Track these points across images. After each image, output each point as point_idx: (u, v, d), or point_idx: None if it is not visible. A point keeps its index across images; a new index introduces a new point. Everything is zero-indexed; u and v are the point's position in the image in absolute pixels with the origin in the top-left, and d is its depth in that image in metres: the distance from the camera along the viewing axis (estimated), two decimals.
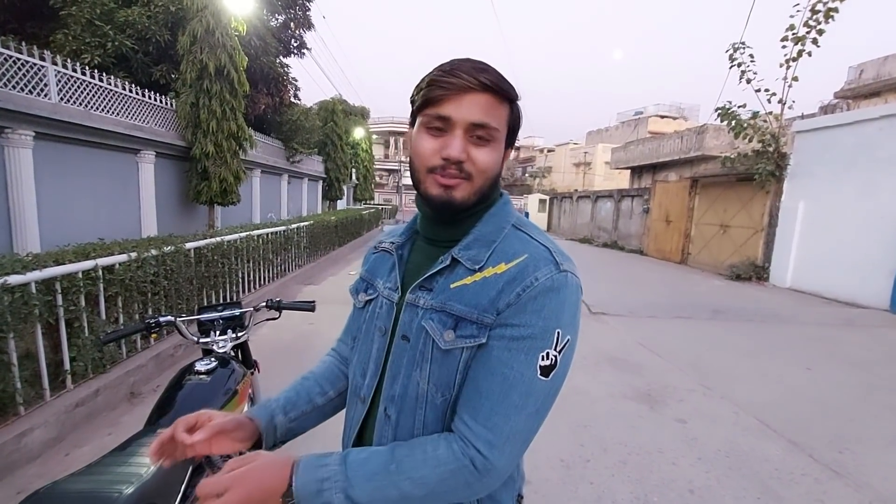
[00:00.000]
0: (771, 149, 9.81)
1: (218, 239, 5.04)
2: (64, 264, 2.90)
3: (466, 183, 0.73)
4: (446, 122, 0.70)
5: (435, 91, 0.70)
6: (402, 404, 0.76)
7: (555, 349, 0.68)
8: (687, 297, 8.35)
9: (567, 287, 0.70)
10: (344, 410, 0.95)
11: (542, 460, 2.69)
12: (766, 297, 8.49)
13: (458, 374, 0.72)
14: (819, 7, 9.01)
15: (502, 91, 0.71)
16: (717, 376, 4.24)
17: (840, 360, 4.92)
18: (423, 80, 0.73)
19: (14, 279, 2.50)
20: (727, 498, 2.44)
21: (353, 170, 27.20)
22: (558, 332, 0.69)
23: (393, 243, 0.89)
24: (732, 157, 10.59)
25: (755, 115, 10.20)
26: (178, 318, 1.71)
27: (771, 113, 10.17)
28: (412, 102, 0.76)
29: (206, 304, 4.78)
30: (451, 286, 0.74)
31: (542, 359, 0.68)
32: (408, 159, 0.79)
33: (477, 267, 0.73)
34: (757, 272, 10.08)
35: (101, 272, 3.21)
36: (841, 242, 8.37)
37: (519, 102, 0.77)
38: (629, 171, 19.32)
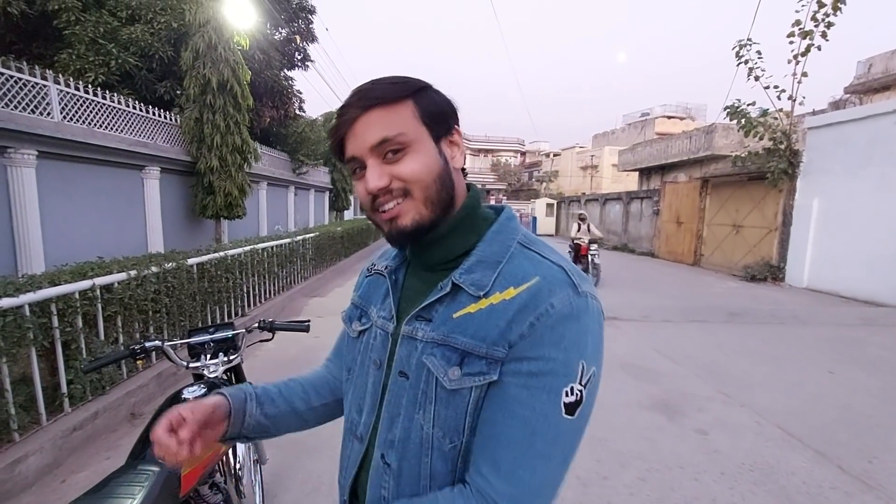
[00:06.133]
0: (782, 146, 9.63)
1: (221, 254, 4.98)
2: (59, 285, 2.83)
3: (408, 202, 0.66)
4: (356, 160, 0.67)
5: (335, 137, 0.69)
6: (405, 450, 0.67)
7: (579, 383, 0.60)
8: (701, 299, 8.16)
9: (588, 313, 0.62)
10: (322, 423, 0.93)
11: None
12: (783, 298, 8.29)
13: (469, 417, 0.63)
14: (825, 0, 8.86)
15: (385, 98, 0.65)
16: (736, 383, 4.09)
17: (863, 361, 4.74)
18: None
19: (6, 302, 2.43)
20: None
21: None
22: (582, 365, 0.60)
23: (386, 267, 0.80)
24: (743, 155, 10.42)
25: (765, 112, 10.04)
26: (165, 343, 1.62)
27: (781, 110, 10.00)
28: None
29: (209, 320, 4.71)
30: (454, 315, 0.65)
31: (567, 395, 0.59)
32: None
33: (482, 293, 0.64)
34: (772, 272, 9.87)
35: (98, 292, 3.15)
36: (858, 239, 8.17)
37: (427, 90, 0.69)
38: (637, 172, 19.14)
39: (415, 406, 0.67)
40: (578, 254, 9.39)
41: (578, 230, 9.55)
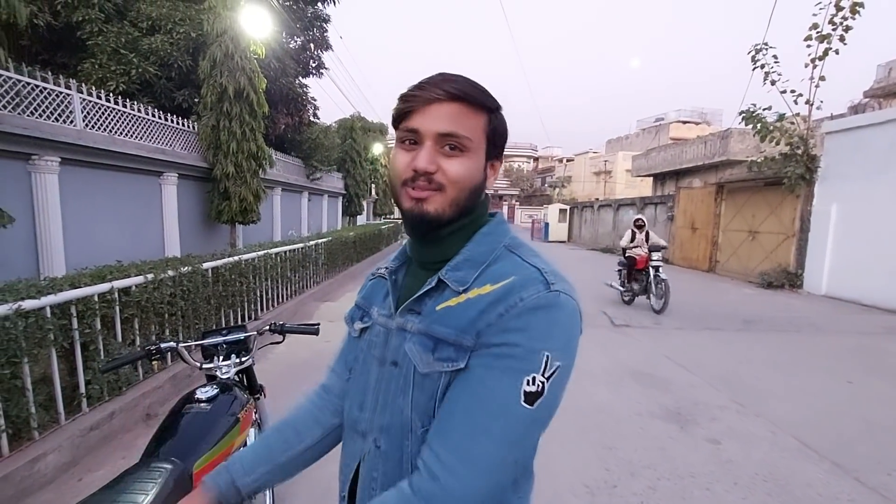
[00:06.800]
0: (800, 151, 9.48)
1: (235, 258, 5.06)
2: (79, 287, 2.91)
3: (438, 195, 0.69)
4: (416, 134, 0.69)
5: (404, 105, 0.70)
6: (390, 435, 0.72)
7: (542, 374, 0.61)
8: (716, 306, 8.05)
9: (558, 307, 0.64)
10: (326, 453, 0.93)
11: (565, 486, 2.55)
12: (801, 306, 8.14)
13: (438, 402, 0.67)
14: (843, 3, 8.74)
15: (472, 99, 0.69)
16: (750, 392, 4.02)
17: (883, 371, 4.64)
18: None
19: (28, 304, 2.50)
20: None
21: (373, 185, 27.47)
22: (546, 356, 0.61)
23: (388, 268, 0.85)
24: (759, 160, 10.29)
25: (781, 117, 9.91)
26: (180, 344, 1.67)
27: (798, 114, 9.86)
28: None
29: (223, 323, 4.79)
30: (437, 308, 0.70)
31: (528, 384, 0.61)
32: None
33: (462, 289, 0.68)
34: (790, 279, 9.70)
35: (116, 294, 3.22)
36: (879, 246, 7.99)
37: (500, 112, 0.74)
38: (651, 178, 18.99)
39: (398, 392, 0.71)
40: (632, 269, 7.65)
41: (633, 239, 7.80)
